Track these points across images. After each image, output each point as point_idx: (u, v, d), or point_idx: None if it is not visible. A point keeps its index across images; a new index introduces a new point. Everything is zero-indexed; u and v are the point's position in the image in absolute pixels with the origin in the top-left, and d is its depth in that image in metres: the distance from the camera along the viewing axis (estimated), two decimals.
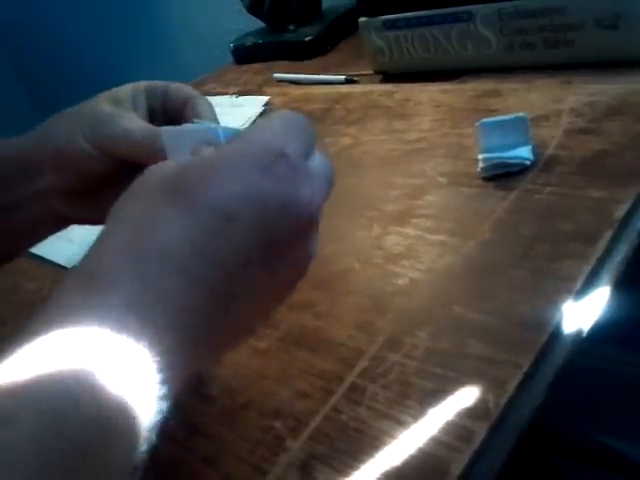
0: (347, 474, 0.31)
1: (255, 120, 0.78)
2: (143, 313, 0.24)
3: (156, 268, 0.25)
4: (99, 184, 0.39)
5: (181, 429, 0.38)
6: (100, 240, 0.27)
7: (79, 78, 1.88)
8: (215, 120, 0.39)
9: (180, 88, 0.41)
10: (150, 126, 0.38)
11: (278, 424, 0.35)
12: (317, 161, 0.30)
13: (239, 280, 0.27)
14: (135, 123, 0.38)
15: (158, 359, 0.24)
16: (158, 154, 0.34)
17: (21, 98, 2.16)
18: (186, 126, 0.35)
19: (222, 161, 0.27)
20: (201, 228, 0.26)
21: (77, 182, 0.39)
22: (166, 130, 0.33)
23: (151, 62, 1.65)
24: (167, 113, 0.41)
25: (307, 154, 0.29)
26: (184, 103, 0.40)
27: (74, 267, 0.27)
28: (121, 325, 0.24)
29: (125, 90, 0.40)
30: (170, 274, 0.25)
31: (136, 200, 0.28)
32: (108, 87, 0.41)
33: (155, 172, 0.29)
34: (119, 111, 0.38)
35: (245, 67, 1.01)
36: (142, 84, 0.41)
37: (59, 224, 0.42)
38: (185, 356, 0.26)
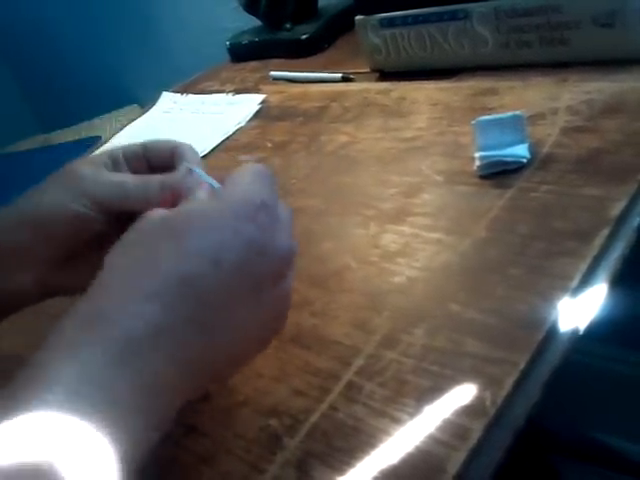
0: (344, 472, 0.31)
1: (252, 118, 0.78)
2: (140, 350, 0.27)
3: (151, 307, 0.27)
4: (87, 249, 0.40)
5: (178, 428, 0.38)
6: (97, 286, 0.30)
7: (74, 77, 1.88)
8: (200, 164, 0.41)
9: (162, 141, 0.43)
10: (139, 176, 0.39)
11: (275, 422, 0.35)
12: (281, 206, 0.34)
13: (226, 316, 0.30)
14: (124, 175, 0.40)
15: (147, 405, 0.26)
16: (153, 201, 0.37)
17: (16, 97, 2.15)
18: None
19: (209, 212, 0.31)
20: (193, 272, 0.29)
21: (64, 249, 0.39)
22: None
23: (147, 61, 1.65)
24: (154, 169, 0.42)
25: (277, 201, 0.33)
26: (171, 154, 0.41)
27: (76, 305, 0.29)
28: (121, 360, 0.26)
29: (101, 158, 0.41)
30: (163, 313, 0.28)
31: (133, 246, 0.30)
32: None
33: (146, 220, 0.31)
34: (103, 170, 0.39)
35: (241, 65, 1.01)
36: (118, 151, 0.42)
37: (44, 296, 0.42)
38: (177, 389, 0.28)
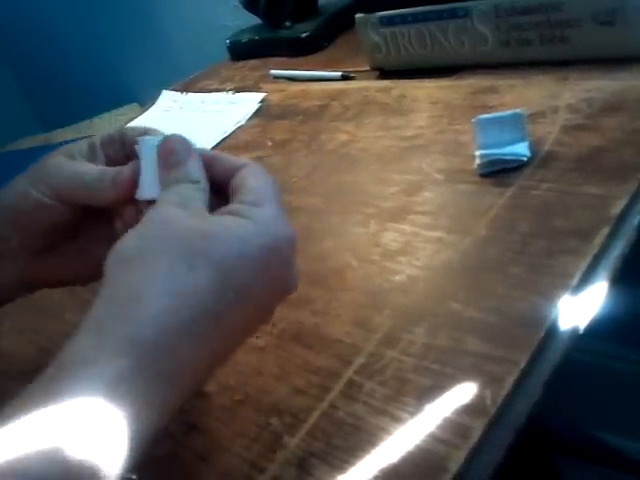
0: (344, 470, 0.31)
1: (252, 117, 0.78)
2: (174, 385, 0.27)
3: (182, 339, 0.28)
4: (62, 239, 0.39)
5: (178, 426, 0.38)
6: (111, 301, 0.28)
7: (74, 76, 1.88)
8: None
9: (137, 128, 0.41)
10: (99, 168, 0.38)
11: (275, 421, 0.35)
12: None
13: (229, 332, 0.30)
14: (85, 167, 0.38)
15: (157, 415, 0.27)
16: (107, 195, 0.36)
17: (16, 96, 2.15)
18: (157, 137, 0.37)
19: (246, 238, 0.30)
20: (226, 305, 0.29)
21: (38, 239, 0.39)
22: (141, 140, 0.36)
23: (147, 59, 1.65)
24: (130, 156, 0.40)
25: None
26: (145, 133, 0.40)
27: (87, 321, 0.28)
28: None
29: (79, 146, 0.40)
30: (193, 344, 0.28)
31: (149, 258, 0.29)
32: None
33: (156, 228, 0.30)
34: (69, 160, 0.38)
35: (241, 64, 1.01)
36: (97, 138, 0.41)
37: (30, 288, 0.41)
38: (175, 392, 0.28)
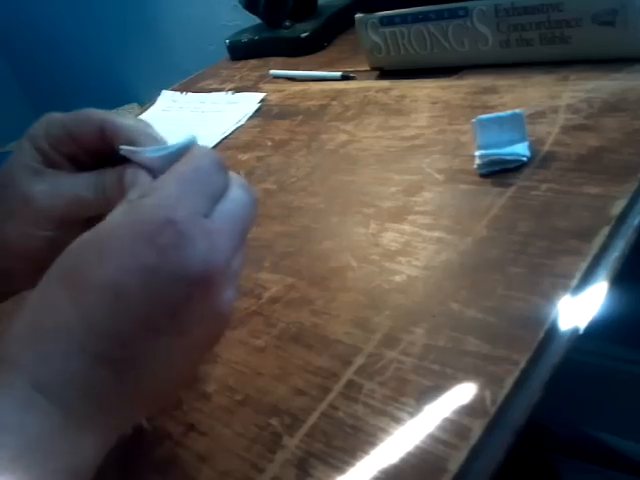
0: (344, 471, 0.31)
1: (252, 117, 0.78)
2: (49, 392, 0.26)
3: (56, 349, 0.27)
4: None
5: (177, 426, 0.38)
6: (9, 327, 0.28)
7: (73, 76, 1.88)
8: (156, 135, 0.36)
9: (84, 119, 0.37)
10: (86, 178, 0.37)
11: (275, 421, 0.35)
12: (225, 206, 0.29)
13: (142, 349, 0.28)
14: (67, 180, 0.37)
15: (67, 440, 0.26)
16: (109, 201, 0.34)
17: (15, 96, 2.15)
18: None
19: (106, 236, 0.28)
20: (95, 310, 0.27)
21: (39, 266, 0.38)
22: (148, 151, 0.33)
23: (147, 59, 1.65)
24: (86, 148, 0.37)
25: (206, 208, 0.29)
26: (100, 130, 0.36)
27: None
28: (30, 403, 0.26)
29: (31, 155, 0.37)
30: (70, 354, 0.27)
31: (42, 286, 0.29)
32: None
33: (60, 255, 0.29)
34: (39, 177, 0.36)
35: (241, 63, 1.01)
36: (41, 142, 0.37)
37: None
38: (96, 428, 0.27)
